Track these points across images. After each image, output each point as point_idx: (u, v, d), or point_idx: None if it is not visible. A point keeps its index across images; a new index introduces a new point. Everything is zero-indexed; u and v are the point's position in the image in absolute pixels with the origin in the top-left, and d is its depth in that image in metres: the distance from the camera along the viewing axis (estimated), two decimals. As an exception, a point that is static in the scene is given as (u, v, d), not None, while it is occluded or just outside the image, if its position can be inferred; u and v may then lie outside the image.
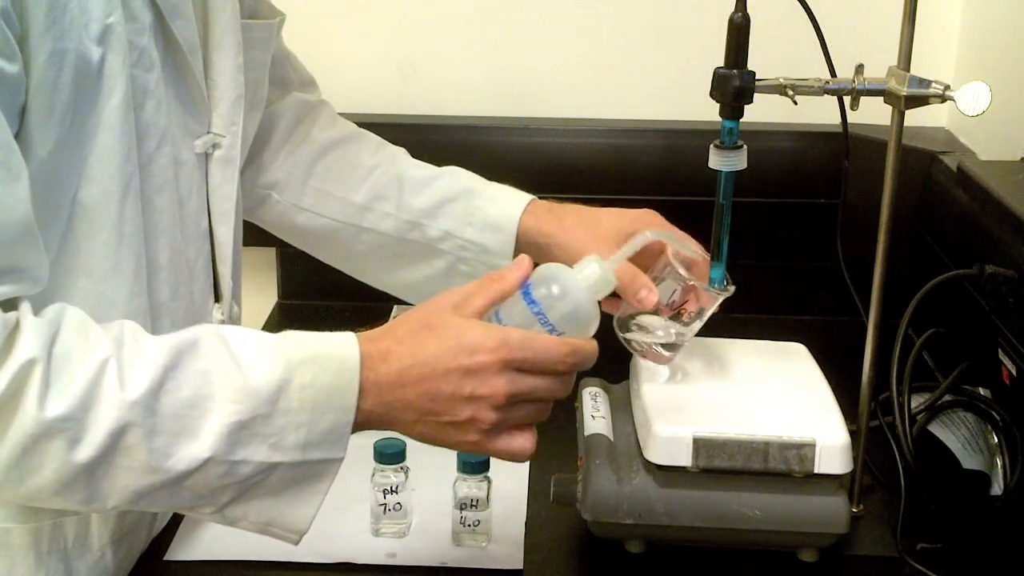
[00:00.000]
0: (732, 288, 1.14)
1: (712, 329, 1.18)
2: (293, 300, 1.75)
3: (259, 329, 0.98)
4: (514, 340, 0.94)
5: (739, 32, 1.06)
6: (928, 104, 1.08)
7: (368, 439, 1.08)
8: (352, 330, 0.96)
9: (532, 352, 0.94)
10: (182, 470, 0.90)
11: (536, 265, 0.99)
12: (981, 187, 1.35)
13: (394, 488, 1.15)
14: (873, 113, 1.15)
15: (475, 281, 1.00)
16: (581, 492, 1.12)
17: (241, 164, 1.16)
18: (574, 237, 1.20)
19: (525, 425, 0.97)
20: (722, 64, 1.08)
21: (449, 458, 1.11)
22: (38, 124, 0.90)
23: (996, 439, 1.21)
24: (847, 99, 1.11)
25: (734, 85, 1.07)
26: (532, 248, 1.21)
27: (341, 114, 1.35)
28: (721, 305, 1.14)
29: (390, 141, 1.34)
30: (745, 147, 1.10)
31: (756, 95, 1.08)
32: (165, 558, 1.13)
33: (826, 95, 1.10)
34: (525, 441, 0.97)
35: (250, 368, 0.92)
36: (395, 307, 1.55)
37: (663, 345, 1.15)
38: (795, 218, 1.66)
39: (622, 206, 1.22)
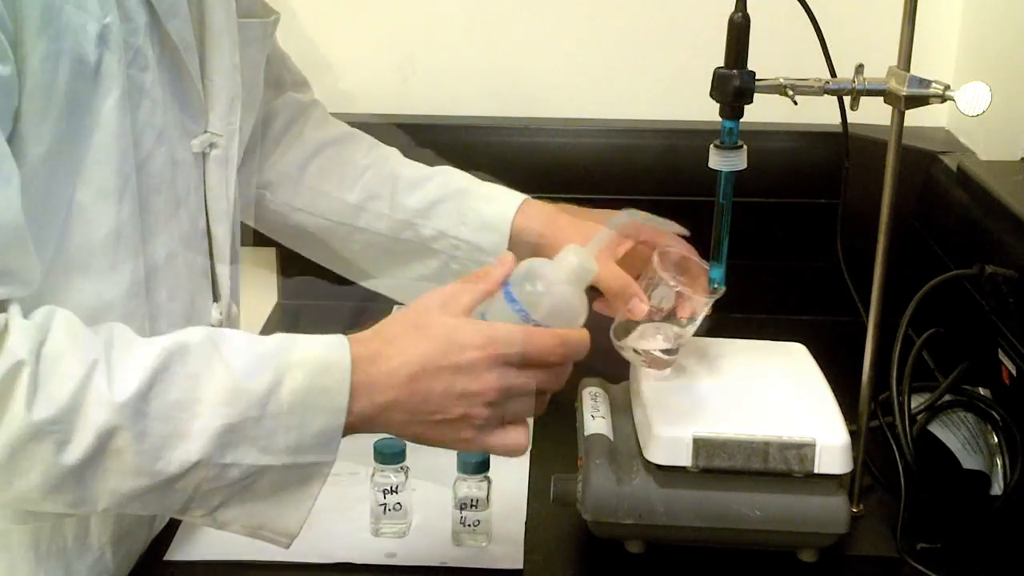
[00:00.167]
0: (722, 289, 1.14)
1: (712, 329, 1.18)
2: (293, 300, 1.74)
3: (259, 329, 0.98)
4: (502, 335, 0.94)
5: (739, 32, 1.06)
6: (928, 104, 1.07)
7: (368, 439, 1.08)
8: (352, 331, 0.96)
9: (521, 346, 0.94)
10: (171, 473, 0.90)
11: None
12: (981, 187, 1.35)
13: (394, 488, 1.14)
14: (873, 113, 1.14)
15: (460, 280, 1.00)
16: (581, 492, 1.12)
17: (238, 163, 1.16)
18: (567, 237, 1.20)
19: (519, 420, 0.97)
20: (722, 64, 1.08)
21: (449, 458, 1.11)
22: (34, 125, 0.90)
23: (996, 439, 1.21)
24: (847, 99, 1.11)
25: (734, 85, 1.07)
26: (525, 247, 1.21)
27: (341, 114, 1.35)
28: (712, 306, 1.15)
29: (390, 141, 1.34)
30: (745, 147, 1.10)
31: (756, 95, 1.08)
32: (165, 558, 1.13)
33: (826, 95, 1.10)
34: (519, 436, 0.97)
35: (240, 371, 0.91)
36: (395, 307, 1.55)
37: (663, 350, 1.15)
38: (795, 218, 1.65)
39: (622, 206, 1.22)
